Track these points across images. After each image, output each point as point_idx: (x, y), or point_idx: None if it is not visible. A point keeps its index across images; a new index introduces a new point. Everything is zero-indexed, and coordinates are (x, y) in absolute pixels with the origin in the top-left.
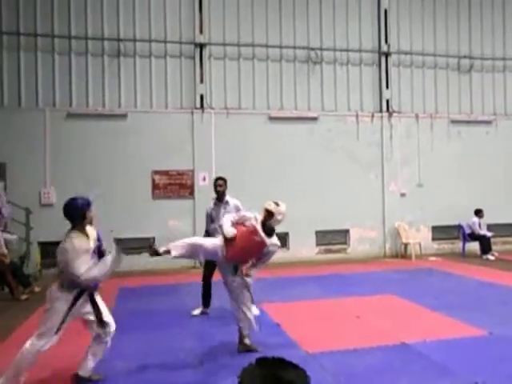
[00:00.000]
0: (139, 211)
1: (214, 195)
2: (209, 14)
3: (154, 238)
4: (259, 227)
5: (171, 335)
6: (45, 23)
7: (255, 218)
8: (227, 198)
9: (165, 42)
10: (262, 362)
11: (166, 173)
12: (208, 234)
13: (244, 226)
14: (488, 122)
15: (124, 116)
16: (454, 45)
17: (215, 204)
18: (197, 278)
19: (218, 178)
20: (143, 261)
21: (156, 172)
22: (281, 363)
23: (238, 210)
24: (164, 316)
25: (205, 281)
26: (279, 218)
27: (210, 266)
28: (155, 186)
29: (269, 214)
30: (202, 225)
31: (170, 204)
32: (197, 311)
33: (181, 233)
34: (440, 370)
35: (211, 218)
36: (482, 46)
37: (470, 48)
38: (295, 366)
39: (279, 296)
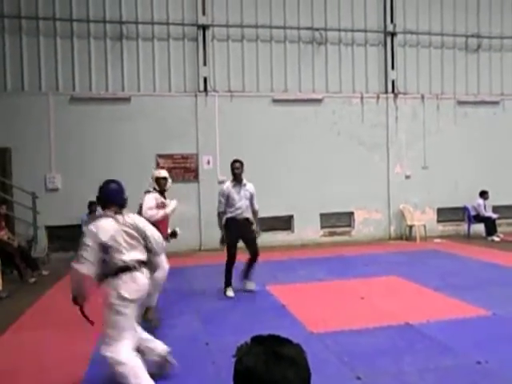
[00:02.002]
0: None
1: (220, 178)
2: None
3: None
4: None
5: (179, 317)
6: (46, 6)
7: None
8: (244, 180)
9: (167, 24)
10: (258, 339)
11: (170, 156)
12: (224, 215)
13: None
14: (495, 103)
15: (127, 99)
16: (461, 24)
17: (234, 185)
18: (203, 260)
19: (235, 161)
20: None
21: (160, 156)
22: (277, 340)
23: (253, 193)
24: (170, 297)
25: (233, 260)
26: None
27: (235, 245)
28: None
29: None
30: (206, 207)
31: (175, 188)
32: (230, 292)
33: (186, 216)
34: (443, 349)
35: (228, 198)
36: (491, 25)
37: (478, 27)
38: (291, 342)
39: (284, 278)
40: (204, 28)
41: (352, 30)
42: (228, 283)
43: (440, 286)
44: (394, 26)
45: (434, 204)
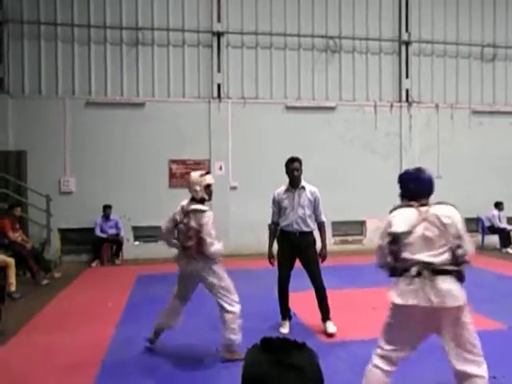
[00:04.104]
0: (156, 200)
1: (232, 184)
2: (226, 2)
3: None
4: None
5: (187, 322)
6: (64, 12)
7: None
8: (303, 183)
9: (183, 30)
10: (267, 344)
11: (182, 162)
12: (276, 226)
13: None
14: (511, 113)
15: (142, 105)
16: (477, 33)
17: (287, 190)
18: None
19: (293, 160)
20: (161, 248)
21: (173, 161)
22: (286, 345)
23: (316, 199)
24: None
25: (282, 282)
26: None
27: (285, 265)
28: (172, 175)
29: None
30: (217, 214)
31: (187, 193)
32: (283, 328)
33: None
34: None
35: (280, 207)
36: (507, 34)
37: (494, 36)
38: (301, 347)
39: (296, 286)
40: (219, 35)
41: (366, 39)
42: (282, 314)
43: None
44: (409, 34)
45: None
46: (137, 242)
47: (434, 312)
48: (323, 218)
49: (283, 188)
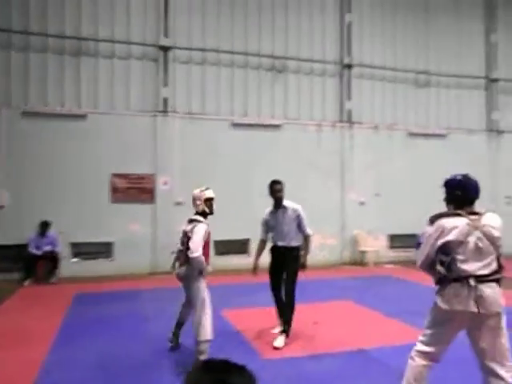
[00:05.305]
0: (97, 215)
1: (177, 200)
2: (174, 18)
3: None
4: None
5: (127, 342)
6: (3, 17)
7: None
8: (285, 202)
9: (129, 43)
10: (208, 365)
11: (126, 176)
12: (264, 243)
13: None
14: (442, 136)
15: (83, 116)
16: (412, 61)
17: (271, 212)
18: (157, 283)
19: (275, 182)
20: (100, 266)
21: (115, 175)
22: (227, 366)
23: (298, 216)
24: (121, 323)
25: (273, 292)
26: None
27: (276, 271)
28: (115, 190)
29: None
30: (162, 229)
31: (130, 208)
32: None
33: (141, 238)
34: (397, 375)
35: (267, 227)
36: (439, 64)
37: (428, 64)
38: (242, 369)
39: (240, 302)
40: (166, 49)
41: (311, 61)
42: (279, 319)
43: (392, 312)
44: (351, 59)
45: (386, 230)
46: (75, 259)
47: (478, 317)
48: (308, 231)
49: (269, 208)
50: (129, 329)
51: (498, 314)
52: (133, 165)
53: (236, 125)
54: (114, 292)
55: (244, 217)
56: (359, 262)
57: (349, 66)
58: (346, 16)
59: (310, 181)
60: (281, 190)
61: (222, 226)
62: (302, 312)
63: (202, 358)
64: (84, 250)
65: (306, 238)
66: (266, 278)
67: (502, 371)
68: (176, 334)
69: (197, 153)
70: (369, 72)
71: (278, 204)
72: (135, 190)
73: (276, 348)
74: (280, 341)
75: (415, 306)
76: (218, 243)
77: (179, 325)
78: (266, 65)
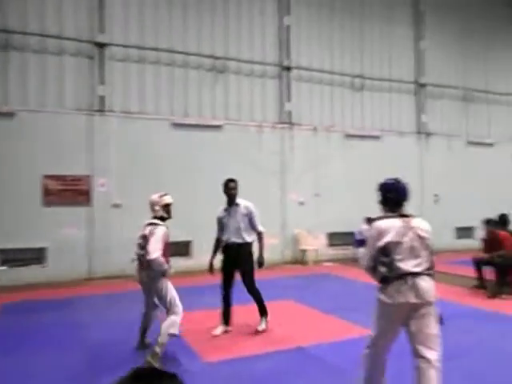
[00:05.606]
0: (27, 219)
1: (115, 202)
2: (110, 14)
3: None
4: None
5: (61, 354)
6: None
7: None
8: (238, 200)
9: (62, 38)
10: (137, 374)
11: (60, 178)
12: (219, 242)
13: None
14: (377, 137)
15: (11, 115)
16: (348, 64)
17: (225, 209)
18: (95, 289)
19: (229, 180)
20: (32, 273)
21: (48, 177)
22: (158, 374)
23: (250, 213)
24: (55, 332)
25: (223, 291)
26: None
27: (228, 270)
28: (47, 192)
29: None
30: (100, 232)
31: (65, 211)
32: (216, 329)
33: (77, 242)
34: (334, 371)
35: (221, 225)
36: (372, 68)
37: (363, 68)
38: (173, 377)
39: (182, 305)
40: (102, 46)
41: (252, 62)
42: (222, 318)
43: (330, 308)
44: (290, 61)
45: (326, 229)
46: (3, 267)
47: (414, 306)
48: (260, 228)
49: (223, 206)
50: (63, 338)
51: (431, 304)
52: (68, 166)
53: (176, 125)
54: (48, 300)
55: (185, 218)
56: (300, 260)
57: (288, 68)
58: (285, 19)
59: (251, 181)
60: (235, 188)
61: None
62: (243, 313)
63: (158, 350)
64: (13, 257)
65: (259, 235)
66: (208, 280)
67: (429, 354)
68: (143, 341)
69: (136, 153)
70: (307, 75)
71: (231, 201)
72: (70, 192)
73: (259, 331)
74: (263, 324)
75: (351, 302)
76: None
77: (144, 330)
78: (206, 65)
